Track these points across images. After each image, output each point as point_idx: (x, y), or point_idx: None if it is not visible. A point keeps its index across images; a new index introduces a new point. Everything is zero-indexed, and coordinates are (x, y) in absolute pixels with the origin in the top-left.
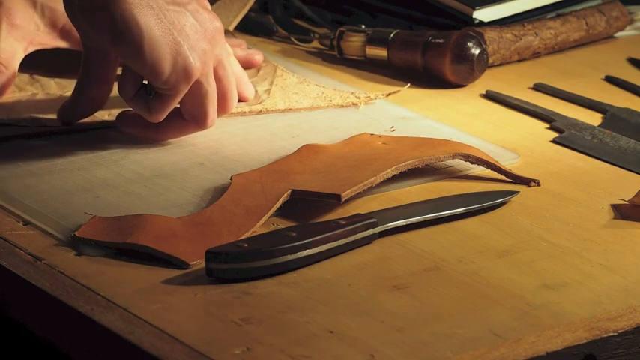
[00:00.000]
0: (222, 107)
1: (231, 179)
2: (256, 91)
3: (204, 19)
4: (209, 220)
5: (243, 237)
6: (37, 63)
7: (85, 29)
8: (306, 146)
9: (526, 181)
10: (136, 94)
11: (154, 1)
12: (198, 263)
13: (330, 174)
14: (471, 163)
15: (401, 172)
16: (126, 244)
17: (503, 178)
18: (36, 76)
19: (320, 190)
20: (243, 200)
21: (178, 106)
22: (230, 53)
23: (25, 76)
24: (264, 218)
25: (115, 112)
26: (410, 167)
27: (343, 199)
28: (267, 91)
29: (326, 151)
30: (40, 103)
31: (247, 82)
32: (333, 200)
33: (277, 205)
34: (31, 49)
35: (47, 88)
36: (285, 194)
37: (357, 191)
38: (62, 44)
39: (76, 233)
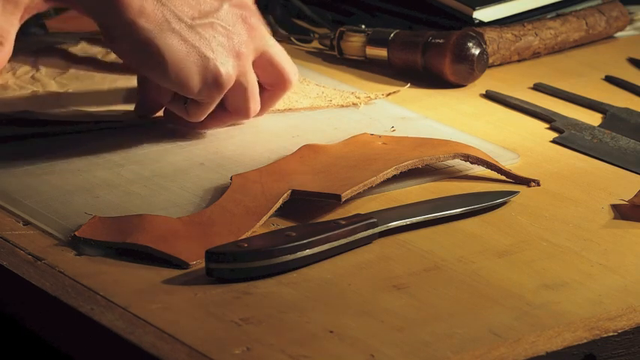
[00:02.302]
0: (282, 86)
1: (231, 179)
2: None
3: (237, 20)
4: (209, 220)
5: (243, 237)
6: (40, 60)
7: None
8: (306, 146)
9: (526, 181)
10: (172, 99)
11: (176, 22)
12: (198, 263)
13: (330, 174)
14: (471, 163)
15: (401, 172)
16: (126, 244)
17: (503, 178)
18: (36, 76)
19: (320, 190)
20: (243, 200)
21: None
22: (270, 37)
23: (27, 77)
24: (264, 218)
25: (115, 108)
26: (410, 167)
27: (343, 199)
28: None
29: (326, 151)
30: (42, 99)
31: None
32: (333, 200)
33: (277, 205)
34: (27, 17)
35: (48, 87)
36: (285, 194)
37: (357, 191)
38: (58, 4)
39: (76, 233)
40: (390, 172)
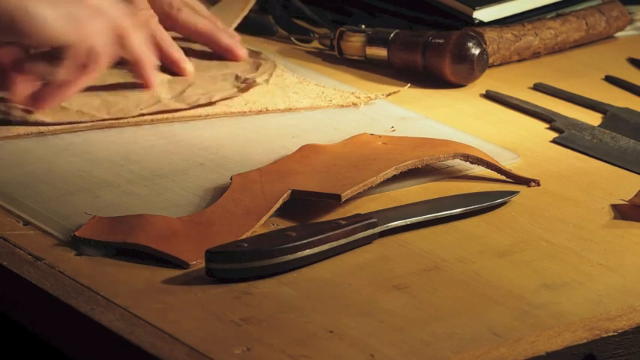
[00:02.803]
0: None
1: (231, 179)
2: (255, 80)
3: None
4: (209, 220)
5: (243, 237)
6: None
7: None
8: (306, 146)
9: (526, 181)
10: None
11: None
12: (198, 263)
13: (330, 174)
14: (471, 163)
15: (401, 172)
16: (126, 244)
17: (503, 178)
18: None
19: (320, 190)
20: (243, 200)
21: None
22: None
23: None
24: (264, 218)
25: (115, 110)
26: (410, 167)
27: (343, 199)
28: (267, 80)
29: (326, 151)
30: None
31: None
32: (333, 200)
33: (277, 205)
34: None
35: None
36: (285, 194)
37: (357, 191)
38: None
39: (76, 233)
40: (390, 172)
